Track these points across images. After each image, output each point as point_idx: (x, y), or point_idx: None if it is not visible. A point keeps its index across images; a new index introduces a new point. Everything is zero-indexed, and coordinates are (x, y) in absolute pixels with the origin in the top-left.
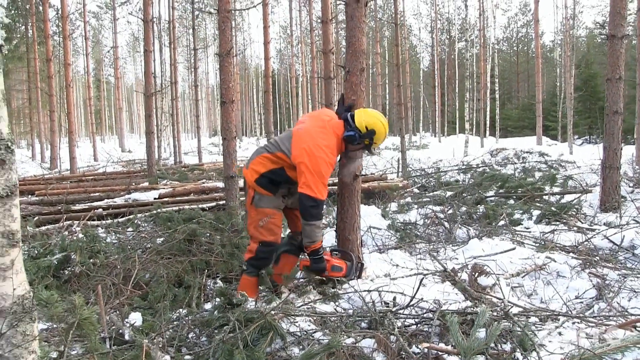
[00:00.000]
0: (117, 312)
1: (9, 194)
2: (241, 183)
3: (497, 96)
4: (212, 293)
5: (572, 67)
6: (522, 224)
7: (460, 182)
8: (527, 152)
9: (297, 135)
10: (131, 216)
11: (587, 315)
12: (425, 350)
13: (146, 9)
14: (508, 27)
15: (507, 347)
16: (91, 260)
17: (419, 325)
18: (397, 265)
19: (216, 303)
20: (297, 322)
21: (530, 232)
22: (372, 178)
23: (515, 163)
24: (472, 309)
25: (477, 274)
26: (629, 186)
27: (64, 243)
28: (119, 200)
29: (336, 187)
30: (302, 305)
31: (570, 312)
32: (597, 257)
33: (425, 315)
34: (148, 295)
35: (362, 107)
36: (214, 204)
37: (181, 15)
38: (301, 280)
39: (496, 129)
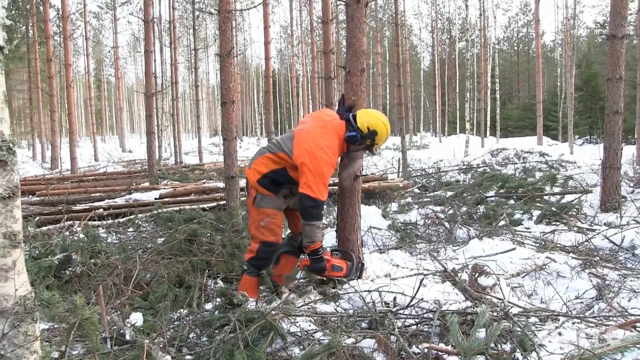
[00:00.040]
0: (118, 312)
1: (11, 195)
2: (242, 183)
3: (497, 96)
4: (213, 293)
5: (572, 67)
6: (522, 224)
7: (461, 182)
8: (527, 152)
9: (299, 136)
10: (132, 216)
11: (587, 316)
12: (425, 350)
13: (147, 9)
14: (509, 27)
15: (507, 347)
16: (92, 261)
17: (419, 325)
18: (398, 266)
19: (217, 303)
20: (297, 322)
21: (530, 232)
22: (373, 178)
23: (516, 163)
24: (472, 309)
25: (477, 274)
26: (629, 186)
27: (65, 243)
28: (119, 201)
29: (337, 187)
30: (302, 306)
31: (570, 313)
32: (597, 258)
33: (425, 315)
34: (149, 295)
35: (362, 107)
36: (214, 204)
37: (182, 15)
38: (301, 280)
39: (497, 129)
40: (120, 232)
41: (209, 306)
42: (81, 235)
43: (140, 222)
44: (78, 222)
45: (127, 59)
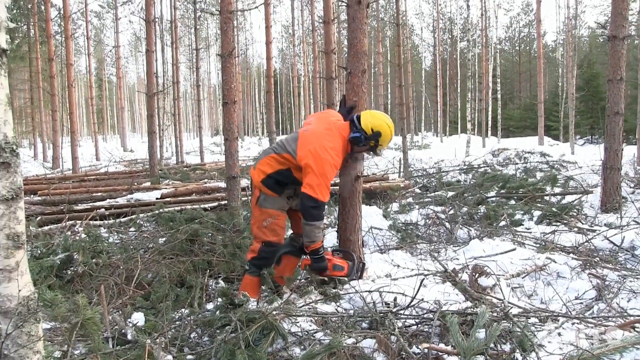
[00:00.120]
0: (120, 312)
1: (14, 196)
2: (243, 183)
3: (499, 96)
4: (214, 293)
5: (574, 67)
6: (523, 225)
7: (462, 183)
8: (528, 152)
9: (303, 137)
10: (133, 216)
11: (586, 316)
12: (426, 350)
13: (148, 9)
14: (510, 27)
15: (507, 347)
16: (94, 260)
17: (419, 325)
18: (398, 266)
19: (218, 303)
20: (298, 322)
21: (531, 232)
22: (374, 178)
23: (517, 163)
24: (472, 309)
25: (477, 274)
26: (630, 187)
27: (66, 243)
28: (121, 200)
29: (338, 187)
30: (303, 306)
31: (569, 313)
32: (597, 258)
33: (425, 315)
34: (150, 295)
35: (363, 108)
36: (216, 204)
37: (183, 15)
38: (302, 280)
39: (498, 129)
40: (122, 232)
41: (210, 306)
42: (83, 235)
43: (142, 222)
44: (80, 221)
45: (128, 59)
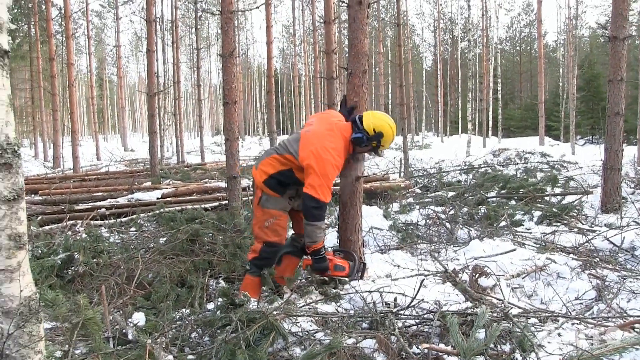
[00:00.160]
0: (121, 312)
1: (16, 197)
2: (244, 183)
3: (499, 96)
4: (215, 293)
5: (574, 67)
6: (523, 225)
7: (462, 183)
8: (529, 153)
9: (305, 138)
10: (134, 216)
11: (586, 317)
12: (426, 350)
13: (149, 9)
14: (511, 27)
15: (507, 347)
16: (94, 260)
17: (419, 325)
18: (399, 266)
19: (219, 303)
20: (298, 322)
21: (531, 233)
22: (375, 178)
23: (518, 163)
24: (472, 309)
25: (477, 275)
26: (630, 187)
27: (67, 243)
28: (122, 200)
29: (338, 187)
30: (303, 306)
31: (569, 313)
32: (597, 259)
33: (425, 316)
34: (151, 295)
35: (364, 108)
36: (216, 204)
37: (184, 15)
38: (303, 280)
39: (499, 129)
40: (123, 231)
41: (210, 306)
42: (83, 235)
43: (143, 222)
44: (80, 221)
45: (129, 58)
